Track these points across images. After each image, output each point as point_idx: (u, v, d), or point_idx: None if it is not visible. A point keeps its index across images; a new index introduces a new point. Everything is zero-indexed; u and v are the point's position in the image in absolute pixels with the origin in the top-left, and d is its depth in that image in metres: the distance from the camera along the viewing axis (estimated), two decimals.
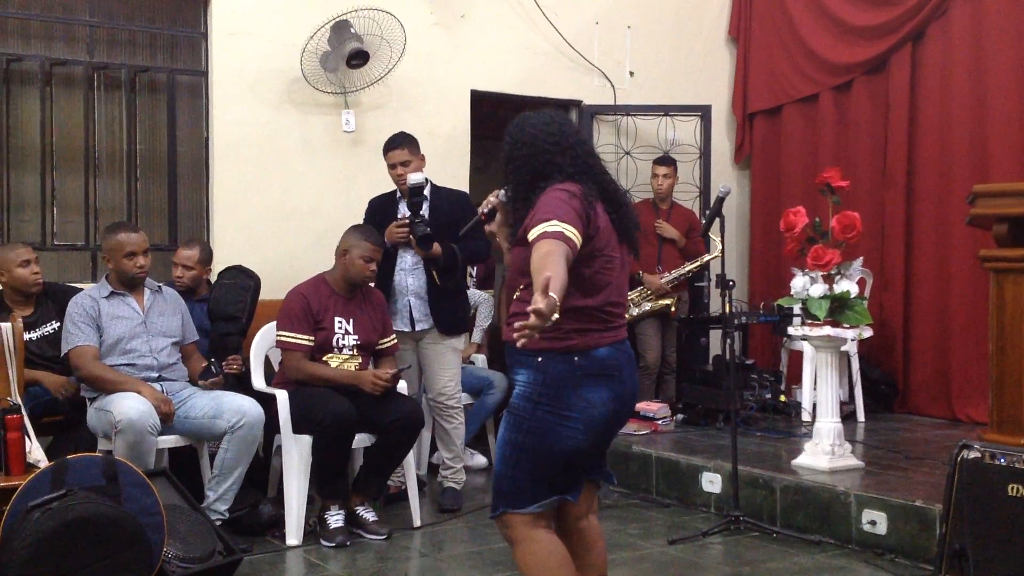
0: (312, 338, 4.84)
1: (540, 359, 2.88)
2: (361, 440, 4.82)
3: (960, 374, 6.73)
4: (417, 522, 5.00)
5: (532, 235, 2.74)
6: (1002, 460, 3.76)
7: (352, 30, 6.22)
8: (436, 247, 5.06)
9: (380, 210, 5.35)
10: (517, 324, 2.49)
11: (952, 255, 6.77)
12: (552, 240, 2.68)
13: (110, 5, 6.04)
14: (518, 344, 2.50)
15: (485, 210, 3.14)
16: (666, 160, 6.99)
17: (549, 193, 2.86)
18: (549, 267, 2.56)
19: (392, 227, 5.14)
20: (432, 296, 5.24)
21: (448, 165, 6.58)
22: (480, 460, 6.35)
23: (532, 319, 2.40)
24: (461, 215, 4.99)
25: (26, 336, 4.70)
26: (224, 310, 5.27)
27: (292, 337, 4.84)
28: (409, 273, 5.25)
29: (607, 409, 2.92)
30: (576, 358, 2.88)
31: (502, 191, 3.06)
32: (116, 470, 3.88)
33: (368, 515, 4.82)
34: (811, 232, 5.08)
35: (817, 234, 5.07)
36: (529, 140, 2.97)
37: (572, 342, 2.88)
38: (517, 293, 2.93)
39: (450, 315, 5.29)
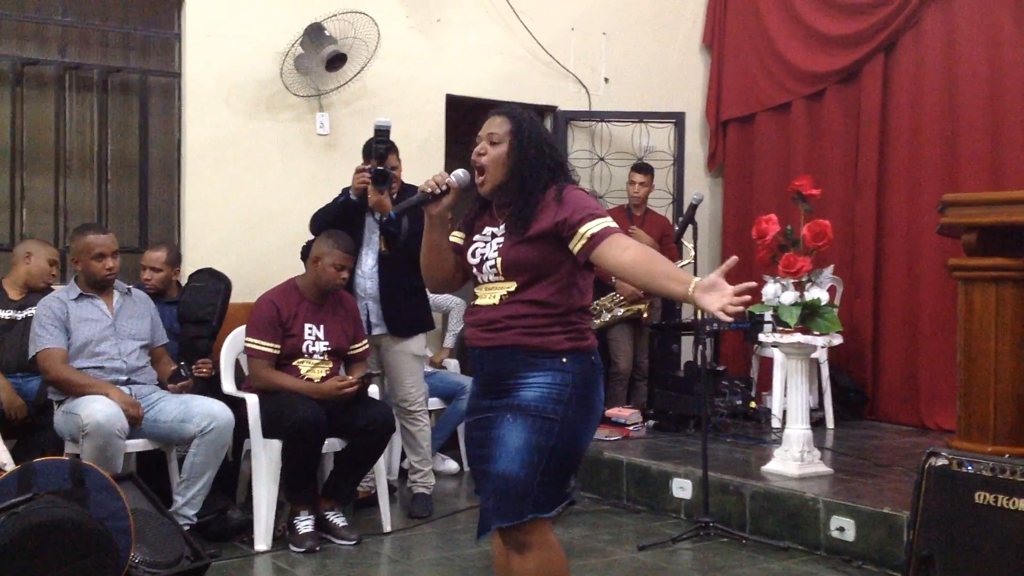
0: (278, 346, 4.82)
1: (565, 359, 2.85)
2: (331, 445, 4.80)
3: (929, 382, 6.78)
4: (387, 527, 4.98)
5: (595, 228, 2.77)
6: (969, 467, 3.78)
7: (327, 33, 6.21)
8: (387, 200, 4.99)
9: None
10: (736, 305, 2.59)
11: (921, 263, 6.83)
12: (624, 235, 2.81)
13: (83, 5, 6.00)
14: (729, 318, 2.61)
15: (437, 190, 2.89)
16: (644, 168, 7.01)
17: (573, 191, 2.89)
18: (667, 262, 2.77)
19: (354, 175, 5.07)
20: (385, 298, 5.20)
21: (423, 168, 6.52)
22: (452, 465, 6.34)
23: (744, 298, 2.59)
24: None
25: None
26: (194, 313, 5.25)
27: (258, 344, 4.82)
28: (368, 277, 5.22)
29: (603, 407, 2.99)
30: (593, 357, 2.93)
31: (459, 172, 2.91)
32: (83, 474, 3.84)
33: (338, 520, 4.80)
34: (783, 240, 5.10)
35: (788, 242, 5.10)
36: (546, 139, 2.97)
37: (588, 342, 2.92)
38: (513, 286, 2.85)
39: (403, 316, 5.24)
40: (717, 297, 2.62)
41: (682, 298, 2.70)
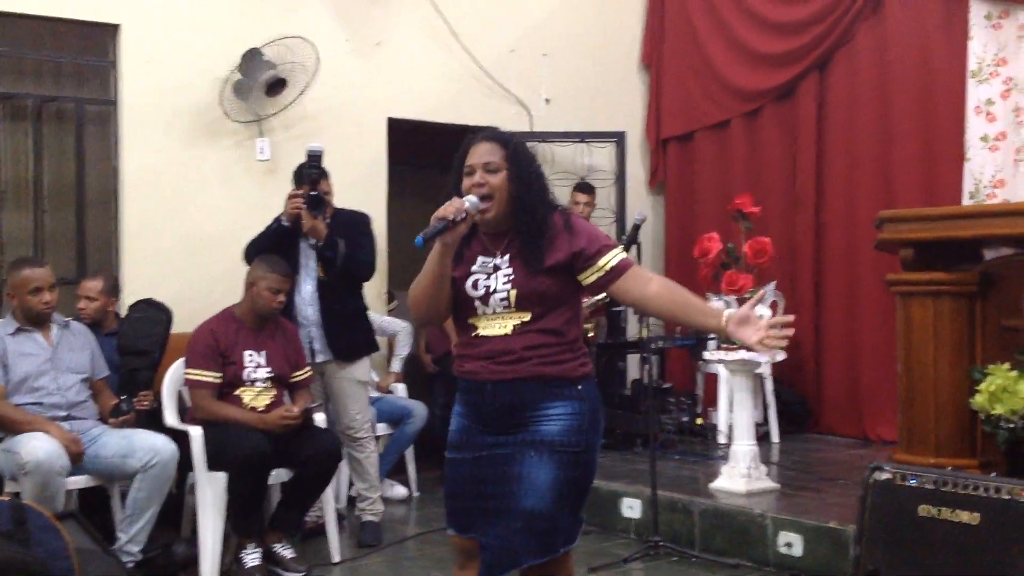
0: (220, 374, 4.76)
1: (580, 387, 2.84)
2: (278, 475, 4.75)
3: (870, 394, 6.87)
4: (336, 557, 4.93)
5: (613, 261, 2.80)
6: (913, 481, 3.84)
7: (265, 58, 6.17)
8: (321, 225, 4.99)
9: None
10: (775, 338, 2.66)
11: (860, 278, 6.93)
12: (639, 266, 2.88)
13: (16, 33, 5.90)
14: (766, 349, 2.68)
15: (458, 218, 2.73)
16: (586, 187, 7.04)
17: (577, 219, 2.91)
18: (690, 294, 2.82)
19: (287, 201, 5.05)
20: (327, 323, 5.17)
21: (366, 192, 6.55)
22: (400, 491, 6.30)
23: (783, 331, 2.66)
24: (358, 234, 5.14)
25: None
26: (134, 344, 5.16)
27: (198, 374, 4.76)
28: (308, 304, 5.19)
29: None
30: (596, 380, 2.92)
31: (472, 198, 2.78)
32: (24, 514, 3.77)
33: (286, 552, 4.73)
34: (725, 258, 5.16)
35: (730, 259, 5.16)
36: (538, 162, 2.94)
37: (591, 367, 2.93)
38: (528, 316, 2.81)
39: (347, 340, 5.22)
40: (753, 331, 2.68)
41: (715, 331, 2.74)
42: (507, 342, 2.81)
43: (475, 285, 2.85)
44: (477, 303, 2.85)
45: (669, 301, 2.79)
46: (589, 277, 2.82)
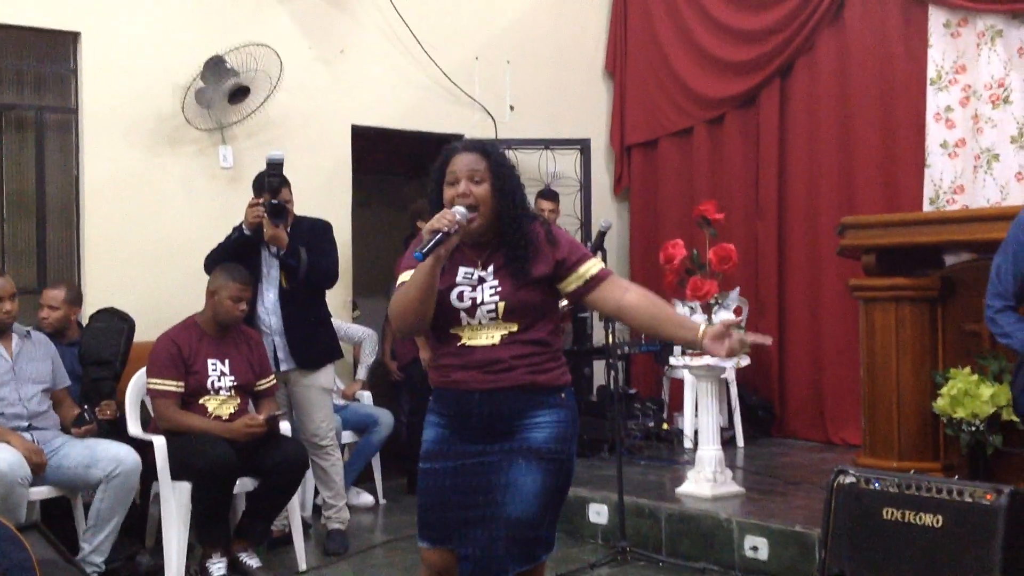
0: (182, 384, 4.73)
1: (563, 395, 2.88)
2: (243, 485, 4.71)
3: (833, 399, 6.93)
4: (303, 566, 4.90)
5: (593, 270, 2.87)
6: (876, 484, 3.88)
7: (228, 65, 6.14)
8: (283, 234, 4.98)
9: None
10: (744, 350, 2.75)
11: (823, 283, 6.99)
12: (617, 275, 2.94)
13: None
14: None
15: (452, 229, 2.72)
16: (550, 195, 7.05)
17: (557, 229, 2.96)
18: (667, 305, 2.90)
19: (247, 210, 5.05)
20: (290, 331, 5.15)
21: (330, 200, 6.52)
22: (367, 499, 6.27)
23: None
24: (320, 242, 5.15)
25: None
26: (96, 354, 5.11)
27: (161, 384, 4.72)
28: (271, 313, 5.17)
29: None
30: (572, 388, 2.98)
31: (461, 209, 2.78)
32: None
33: (252, 561, 4.71)
34: (689, 264, 5.19)
35: (695, 266, 5.19)
36: (517, 172, 2.95)
37: (570, 376, 2.97)
38: (515, 327, 2.82)
39: (310, 347, 5.20)
40: (725, 345, 2.74)
41: (689, 344, 2.83)
42: (496, 352, 2.82)
43: (460, 297, 2.84)
44: (463, 314, 2.84)
45: (646, 313, 2.84)
46: (569, 285, 2.87)
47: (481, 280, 2.85)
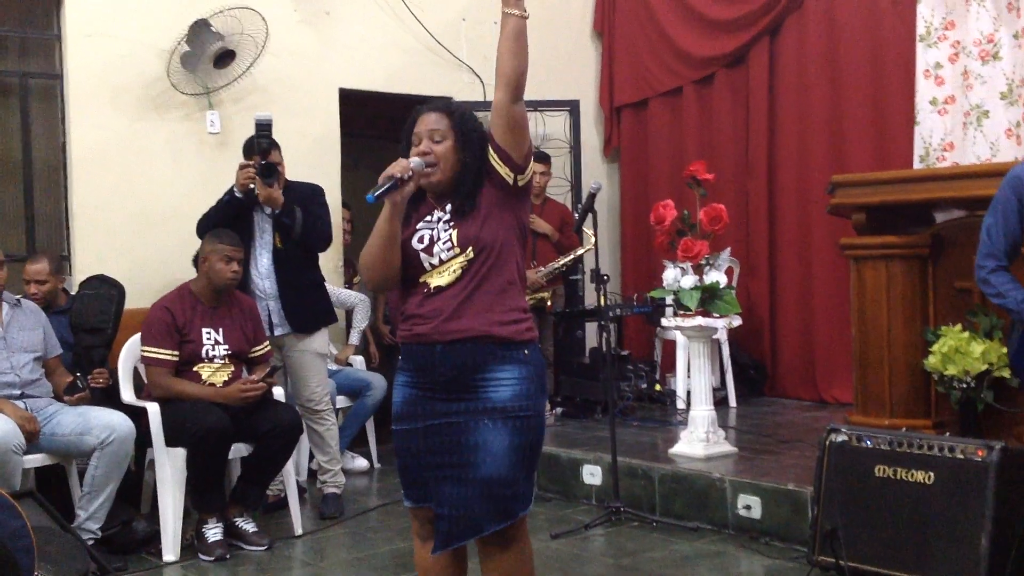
0: (176, 352, 4.73)
1: (527, 351, 2.87)
2: (238, 450, 4.72)
3: (824, 357, 6.96)
4: (299, 530, 4.92)
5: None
6: (868, 443, 3.91)
7: (213, 29, 6.08)
8: (277, 193, 4.97)
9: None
10: None
11: (813, 242, 7.00)
12: None
13: None
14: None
15: (405, 176, 2.80)
16: (542, 156, 7.01)
17: None
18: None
19: (238, 172, 5.04)
20: (285, 296, 5.15)
21: (319, 164, 6.50)
22: (361, 463, 6.30)
23: None
24: (312, 205, 5.14)
25: None
26: (87, 322, 5.10)
27: (155, 352, 4.71)
28: (264, 277, 5.17)
29: None
30: (539, 346, 2.97)
31: (416, 159, 2.85)
32: None
33: (247, 526, 4.72)
34: (680, 225, 5.18)
35: (686, 226, 5.18)
36: (482, 127, 2.96)
37: (536, 332, 2.96)
38: (471, 254, 2.82)
39: (305, 311, 5.20)
40: None
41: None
42: (456, 298, 2.83)
43: (420, 239, 2.90)
44: (423, 256, 2.88)
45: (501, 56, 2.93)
46: (493, 150, 2.86)
47: (438, 220, 2.91)
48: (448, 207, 2.90)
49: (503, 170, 2.84)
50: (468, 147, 2.88)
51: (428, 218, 2.92)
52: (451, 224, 2.87)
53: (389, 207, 2.82)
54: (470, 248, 2.83)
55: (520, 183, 2.87)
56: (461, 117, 2.92)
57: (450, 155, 2.87)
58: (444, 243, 2.85)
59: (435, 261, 2.86)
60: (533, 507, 2.75)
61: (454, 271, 2.84)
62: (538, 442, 2.90)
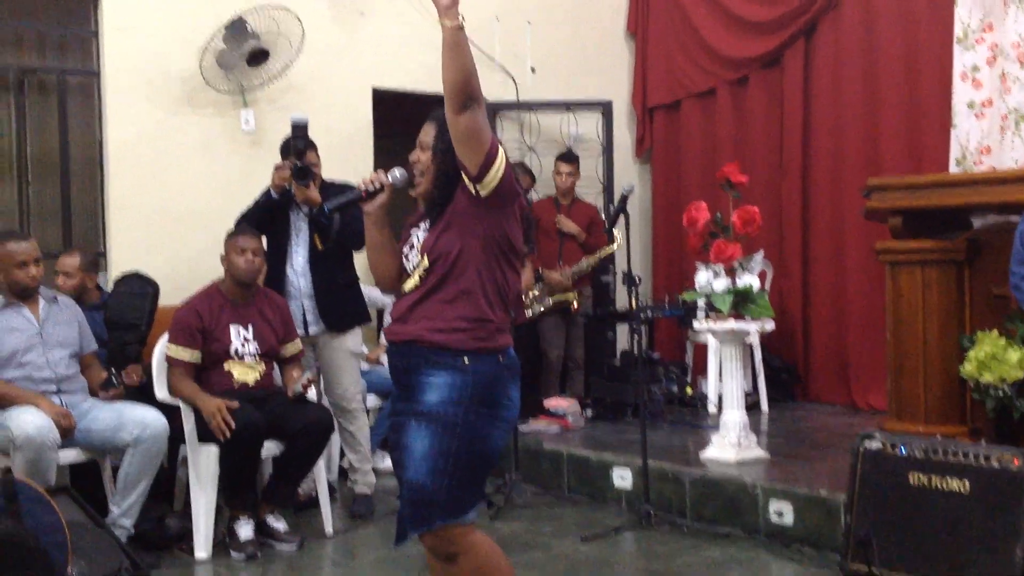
0: (196, 352, 4.75)
1: (466, 360, 2.84)
2: (270, 448, 4.74)
3: (858, 362, 6.90)
4: (329, 529, 4.93)
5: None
6: (903, 450, 3.87)
7: (248, 27, 6.11)
8: (314, 193, 4.99)
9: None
10: None
11: (848, 246, 6.94)
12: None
13: None
14: None
15: (371, 187, 2.93)
16: (570, 157, 7.01)
17: None
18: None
19: (274, 173, 5.06)
20: (319, 294, 5.17)
21: (350, 163, 6.50)
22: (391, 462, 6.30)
23: None
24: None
25: None
26: (123, 318, 5.14)
27: (175, 352, 4.75)
28: (300, 275, 5.18)
29: (518, 409, 2.98)
30: (500, 357, 2.90)
31: (396, 171, 2.97)
32: (15, 488, 3.77)
33: (279, 524, 4.75)
34: (713, 227, 5.15)
35: (719, 229, 5.15)
36: None
37: (497, 343, 2.89)
38: (427, 263, 2.85)
39: (339, 310, 5.22)
40: None
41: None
42: (408, 302, 2.91)
43: (409, 246, 3.00)
44: (405, 262, 2.99)
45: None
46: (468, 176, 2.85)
47: (422, 228, 2.98)
48: (428, 220, 2.99)
49: (466, 180, 2.86)
50: (442, 158, 2.92)
51: (416, 226, 3.02)
52: (425, 233, 2.95)
53: (372, 217, 2.97)
54: (426, 257, 2.89)
55: (482, 192, 2.83)
56: (440, 127, 2.94)
57: (428, 165, 2.94)
58: (414, 251, 2.95)
59: (409, 268, 2.96)
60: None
61: (418, 277, 2.91)
62: (464, 452, 2.80)
